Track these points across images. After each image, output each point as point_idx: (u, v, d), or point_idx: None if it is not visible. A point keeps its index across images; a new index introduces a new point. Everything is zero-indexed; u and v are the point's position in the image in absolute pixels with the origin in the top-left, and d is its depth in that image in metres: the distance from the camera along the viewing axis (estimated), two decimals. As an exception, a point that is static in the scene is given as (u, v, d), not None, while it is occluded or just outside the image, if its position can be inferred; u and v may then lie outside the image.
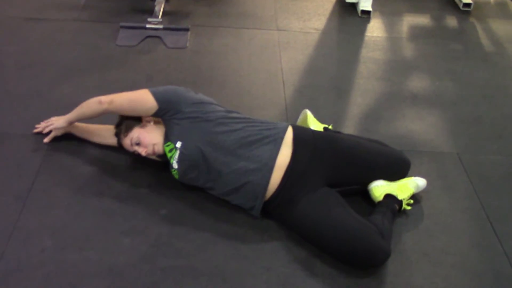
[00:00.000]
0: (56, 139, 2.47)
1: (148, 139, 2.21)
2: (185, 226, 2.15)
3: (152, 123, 2.26)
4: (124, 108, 2.26)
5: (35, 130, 2.52)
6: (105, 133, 2.46)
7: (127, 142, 2.25)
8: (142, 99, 2.22)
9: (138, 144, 2.22)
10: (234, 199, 2.18)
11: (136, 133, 2.23)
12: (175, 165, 2.18)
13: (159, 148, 2.21)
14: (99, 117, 2.35)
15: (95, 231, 2.09)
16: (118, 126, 2.31)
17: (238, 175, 2.10)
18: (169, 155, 2.20)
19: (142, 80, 2.97)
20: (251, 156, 2.10)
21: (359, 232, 2.00)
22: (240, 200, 2.16)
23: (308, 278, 1.99)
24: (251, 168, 2.09)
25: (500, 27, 4.00)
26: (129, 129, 2.25)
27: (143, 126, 2.25)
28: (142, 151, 2.21)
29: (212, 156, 2.11)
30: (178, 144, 2.15)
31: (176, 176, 2.24)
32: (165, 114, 2.20)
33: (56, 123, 2.45)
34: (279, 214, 2.16)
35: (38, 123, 2.54)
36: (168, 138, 2.20)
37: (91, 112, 2.32)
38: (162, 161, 2.33)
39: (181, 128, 2.17)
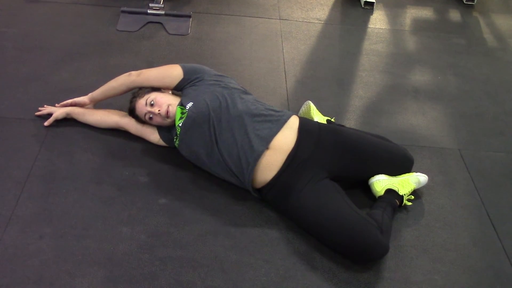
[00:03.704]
0: (56, 124, 2.45)
1: (165, 99, 2.27)
2: (184, 216, 2.14)
3: (170, 92, 2.36)
4: (151, 78, 2.36)
5: (38, 113, 2.49)
6: (108, 113, 2.47)
7: (142, 102, 2.29)
8: (170, 68, 2.38)
9: (152, 105, 2.25)
10: (228, 173, 2.16)
11: (153, 95, 2.29)
12: (180, 124, 2.20)
13: (173, 109, 2.24)
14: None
15: (94, 219, 2.07)
16: (135, 92, 2.37)
17: (235, 142, 2.11)
18: (178, 116, 2.22)
19: (142, 66, 2.90)
20: (250, 127, 2.13)
21: (358, 226, 2.00)
22: (233, 173, 2.14)
23: (307, 271, 1.99)
24: (248, 138, 2.11)
25: (503, 22, 3.98)
26: (147, 92, 2.32)
27: (161, 92, 2.33)
28: (156, 109, 2.23)
29: (217, 116, 2.15)
30: (189, 105, 2.19)
31: (177, 142, 2.25)
32: (187, 84, 2.30)
33: (77, 99, 2.48)
34: (279, 204, 2.15)
35: (37, 107, 2.52)
36: (182, 103, 2.24)
37: (118, 85, 2.40)
38: (167, 146, 2.36)
39: (197, 92, 2.24)
